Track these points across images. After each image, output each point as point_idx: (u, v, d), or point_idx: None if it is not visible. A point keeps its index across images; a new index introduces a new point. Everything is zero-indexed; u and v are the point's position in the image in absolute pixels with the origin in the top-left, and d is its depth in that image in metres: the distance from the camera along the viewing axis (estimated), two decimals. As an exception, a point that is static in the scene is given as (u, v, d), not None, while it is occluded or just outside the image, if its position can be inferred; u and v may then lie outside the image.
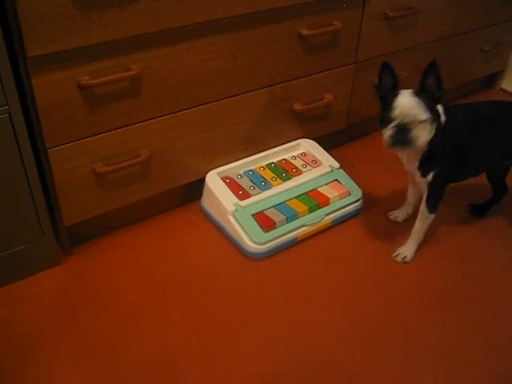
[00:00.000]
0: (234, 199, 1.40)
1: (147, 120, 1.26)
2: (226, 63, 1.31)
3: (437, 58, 1.80)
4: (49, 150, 1.15)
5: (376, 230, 1.48)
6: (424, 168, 1.29)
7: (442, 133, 1.23)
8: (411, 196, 1.48)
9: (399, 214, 1.51)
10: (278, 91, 1.46)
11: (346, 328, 1.20)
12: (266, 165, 1.55)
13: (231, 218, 1.37)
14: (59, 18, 1.01)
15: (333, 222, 1.46)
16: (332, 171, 1.55)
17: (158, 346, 1.14)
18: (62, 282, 1.28)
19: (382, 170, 1.71)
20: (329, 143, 1.71)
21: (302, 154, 1.61)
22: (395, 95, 1.18)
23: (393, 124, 1.18)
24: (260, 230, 1.35)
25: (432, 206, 1.33)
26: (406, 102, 1.17)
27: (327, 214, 1.44)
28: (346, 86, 1.61)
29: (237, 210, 1.38)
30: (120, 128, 1.23)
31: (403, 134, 1.17)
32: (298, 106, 1.52)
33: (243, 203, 1.40)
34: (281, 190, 1.46)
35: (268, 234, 1.35)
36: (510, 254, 1.42)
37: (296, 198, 1.45)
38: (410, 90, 1.19)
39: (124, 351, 1.13)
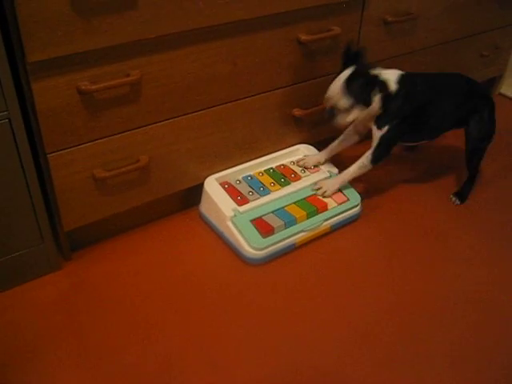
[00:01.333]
0: (233, 205, 1.40)
1: (147, 125, 1.26)
2: (226, 69, 1.32)
3: (436, 62, 1.82)
4: (48, 156, 1.15)
5: (375, 235, 1.49)
6: (380, 122, 1.42)
7: (394, 98, 1.38)
8: (333, 147, 1.55)
9: (309, 161, 1.55)
10: (277, 96, 1.47)
11: (345, 333, 1.20)
12: (265, 170, 1.55)
13: (230, 223, 1.38)
14: (59, 24, 1.02)
15: (331, 227, 1.47)
16: (330, 176, 1.55)
17: (157, 351, 1.14)
18: (61, 287, 1.28)
19: (381, 175, 1.71)
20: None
21: (300, 159, 1.61)
22: (337, 75, 1.36)
23: (326, 103, 1.39)
24: (258, 235, 1.35)
25: (376, 158, 1.45)
26: (333, 89, 1.35)
27: (326, 220, 1.45)
28: (345, 91, 1.62)
29: (235, 216, 1.38)
30: (119, 133, 1.23)
31: (330, 115, 1.38)
32: (297, 112, 1.53)
33: (242, 209, 1.40)
34: (279, 195, 1.46)
35: (266, 239, 1.35)
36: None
37: (294, 203, 1.45)
38: (348, 73, 1.33)
39: (123, 356, 1.13)
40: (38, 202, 1.18)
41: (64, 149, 1.17)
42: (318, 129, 1.64)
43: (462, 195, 1.61)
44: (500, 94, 2.23)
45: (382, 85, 1.35)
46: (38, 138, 1.14)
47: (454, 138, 1.64)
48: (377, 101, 1.36)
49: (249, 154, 1.52)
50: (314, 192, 1.46)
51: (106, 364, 1.11)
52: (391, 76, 1.39)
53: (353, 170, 1.46)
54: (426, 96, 1.45)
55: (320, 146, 1.64)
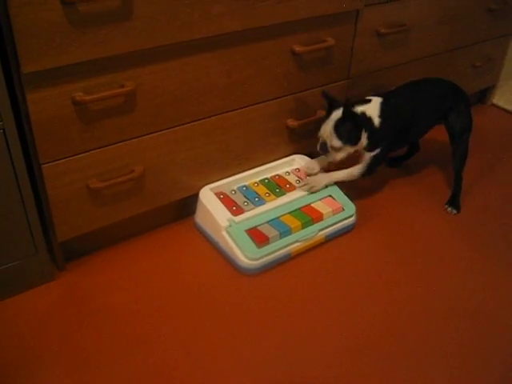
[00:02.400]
0: (228, 215, 1.40)
1: (141, 136, 1.27)
2: (220, 80, 1.33)
3: (429, 73, 1.84)
4: (43, 166, 1.15)
5: (370, 245, 1.49)
6: (369, 147, 1.51)
7: (380, 131, 1.48)
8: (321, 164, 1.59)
9: (315, 166, 1.57)
10: (271, 107, 1.48)
11: (341, 343, 1.20)
12: (260, 180, 1.55)
13: (225, 233, 1.37)
14: (54, 35, 1.02)
15: (326, 237, 1.47)
16: (326, 187, 1.55)
17: (150, 362, 1.13)
18: (55, 297, 1.27)
19: (376, 185, 1.72)
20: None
21: (295, 169, 1.61)
22: (328, 116, 1.47)
23: (320, 140, 1.49)
24: (253, 245, 1.35)
25: (366, 173, 1.55)
26: (326, 130, 1.46)
27: (321, 230, 1.45)
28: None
29: (230, 226, 1.38)
30: (114, 144, 1.23)
31: (325, 150, 1.49)
32: (291, 122, 1.53)
33: (237, 219, 1.40)
34: (274, 205, 1.47)
35: (261, 249, 1.35)
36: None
37: (289, 213, 1.45)
38: (339, 115, 1.43)
39: (117, 367, 1.12)
40: (32, 213, 1.18)
41: (58, 159, 1.17)
42: (312, 139, 1.65)
43: (454, 203, 1.62)
44: (493, 105, 2.25)
45: (369, 124, 1.47)
46: (32, 148, 1.14)
47: (443, 146, 1.65)
48: (364, 137, 1.47)
49: (244, 164, 1.53)
50: (301, 188, 1.53)
51: (99, 375, 1.10)
52: (374, 110, 1.48)
53: (341, 175, 1.54)
54: (407, 115, 1.55)
55: (314, 156, 1.64)
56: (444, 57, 1.86)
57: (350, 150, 1.48)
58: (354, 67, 1.60)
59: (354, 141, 1.46)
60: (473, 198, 1.68)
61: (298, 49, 1.41)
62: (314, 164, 1.57)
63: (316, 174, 1.56)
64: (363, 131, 1.46)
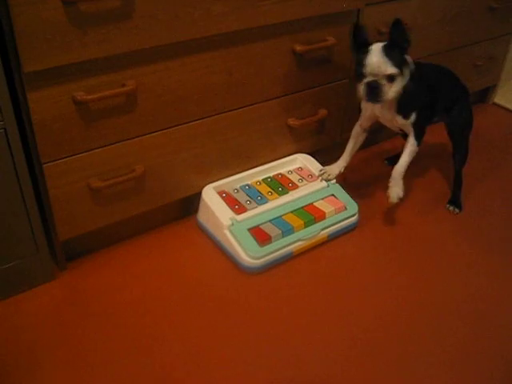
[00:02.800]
0: (230, 213, 1.40)
1: (142, 135, 1.27)
2: (221, 79, 1.33)
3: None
4: (44, 165, 1.15)
5: (372, 245, 1.48)
6: (404, 111, 1.40)
7: (414, 77, 1.34)
8: (349, 153, 1.54)
9: (332, 172, 1.54)
10: (272, 106, 1.47)
11: (343, 342, 1.19)
12: (263, 179, 1.55)
13: (227, 232, 1.37)
14: (55, 34, 1.02)
15: (329, 236, 1.46)
16: (328, 186, 1.55)
17: (152, 362, 1.13)
18: (56, 297, 1.27)
19: (378, 184, 1.71)
20: (324, 157, 1.72)
21: (298, 168, 1.61)
22: (367, 52, 1.29)
23: (365, 80, 1.30)
24: (256, 244, 1.35)
25: (420, 140, 1.45)
26: (375, 60, 1.28)
27: (323, 229, 1.44)
28: (339, 100, 1.63)
29: (233, 225, 1.38)
30: (115, 143, 1.23)
31: (375, 90, 1.29)
32: (292, 121, 1.53)
33: (239, 217, 1.39)
34: (277, 204, 1.46)
35: (264, 248, 1.35)
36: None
37: (292, 212, 1.45)
38: (381, 46, 1.29)
39: (118, 367, 1.12)
40: (33, 212, 1.18)
41: (59, 158, 1.17)
42: (313, 138, 1.65)
43: (456, 202, 1.62)
44: (494, 104, 2.25)
45: (406, 63, 1.33)
46: (33, 147, 1.14)
47: (443, 146, 1.65)
48: (406, 74, 1.32)
49: (245, 163, 1.53)
50: (391, 201, 1.46)
51: (100, 376, 1.10)
52: (407, 56, 1.36)
53: (406, 161, 1.46)
54: (432, 77, 1.48)
55: (316, 155, 1.64)
56: (445, 56, 1.85)
57: (400, 83, 1.30)
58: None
59: (404, 71, 1.31)
60: (474, 198, 1.68)
61: (298, 48, 1.41)
62: (336, 167, 1.54)
63: (340, 171, 1.54)
64: (405, 66, 1.31)
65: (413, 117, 1.41)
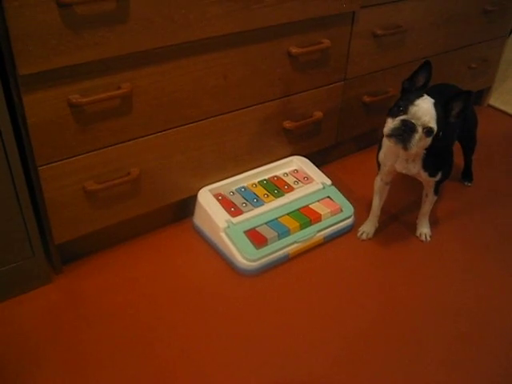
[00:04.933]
0: (226, 216, 1.40)
1: (138, 138, 1.27)
2: (217, 81, 1.33)
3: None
4: (39, 168, 1.15)
5: (368, 247, 1.48)
6: (431, 168, 1.35)
7: (443, 138, 1.26)
8: (378, 208, 1.50)
9: (369, 230, 1.51)
10: (268, 109, 1.48)
11: (339, 345, 1.19)
12: (259, 182, 1.55)
13: (223, 234, 1.37)
14: (50, 37, 1.02)
15: (325, 238, 1.46)
16: (324, 188, 1.55)
17: (149, 364, 1.13)
18: (52, 300, 1.27)
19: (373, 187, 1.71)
20: (320, 160, 1.72)
21: (293, 170, 1.61)
22: (419, 96, 1.22)
23: (401, 117, 1.21)
24: (252, 246, 1.35)
25: (438, 192, 1.46)
26: (425, 107, 1.20)
27: (319, 231, 1.45)
28: (335, 103, 1.63)
29: (229, 227, 1.38)
30: (110, 146, 1.23)
31: (406, 131, 1.19)
32: (288, 124, 1.54)
33: (235, 220, 1.39)
34: (273, 206, 1.46)
35: (260, 250, 1.35)
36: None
37: (288, 214, 1.45)
38: (433, 101, 1.22)
39: (115, 370, 1.11)
40: (29, 215, 1.18)
41: (55, 161, 1.16)
42: (309, 141, 1.65)
43: (468, 175, 1.74)
44: (489, 106, 2.26)
45: (441, 129, 1.24)
46: (28, 150, 1.14)
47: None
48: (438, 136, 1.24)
49: (241, 165, 1.53)
50: (421, 239, 1.50)
51: (97, 378, 1.10)
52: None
53: (428, 209, 1.48)
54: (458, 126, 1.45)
55: (311, 157, 1.65)
56: (440, 58, 1.86)
57: (427, 143, 1.23)
58: (351, 69, 1.60)
59: (439, 132, 1.23)
60: (470, 200, 1.68)
61: (294, 50, 1.41)
62: (372, 225, 1.51)
63: (371, 235, 1.51)
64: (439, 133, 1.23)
65: (439, 175, 1.37)
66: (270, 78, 1.43)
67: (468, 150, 1.71)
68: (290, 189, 1.54)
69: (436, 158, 1.33)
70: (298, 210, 1.47)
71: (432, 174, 1.36)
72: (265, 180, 1.56)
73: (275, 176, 1.58)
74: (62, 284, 1.31)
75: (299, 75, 1.49)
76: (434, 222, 1.58)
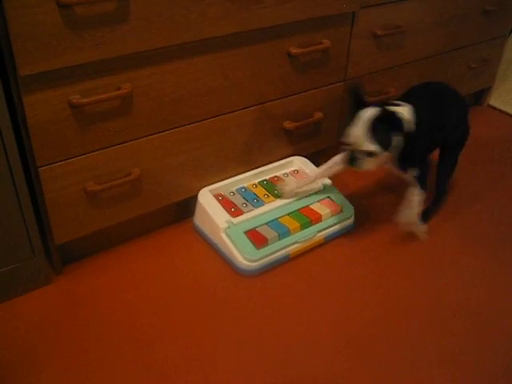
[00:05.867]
0: (227, 216, 1.40)
1: (138, 138, 1.26)
2: (217, 82, 1.33)
3: (425, 75, 1.84)
4: (40, 169, 1.15)
5: (368, 247, 1.48)
6: (403, 166, 1.36)
7: (414, 137, 1.27)
8: (319, 174, 1.49)
9: (290, 184, 1.49)
10: (268, 109, 1.48)
11: (339, 345, 1.19)
12: (259, 182, 1.55)
13: (223, 235, 1.37)
14: (51, 38, 1.02)
15: (325, 238, 1.46)
16: (324, 188, 1.55)
17: (149, 364, 1.13)
18: (52, 301, 1.27)
19: (374, 186, 1.72)
20: (320, 160, 1.72)
21: (294, 171, 1.61)
22: (354, 120, 1.24)
23: (347, 148, 1.27)
24: (252, 246, 1.35)
25: (424, 187, 1.40)
26: (357, 132, 1.23)
27: (319, 231, 1.45)
28: (335, 103, 1.63)
29: (229, 227, 1.38)
30: (111, 146, 1.23)
31: (353, 158, 1.26)
32: (288, 124, 1.54)
33: (235, 220, 1.39)
34: (273, 207, 1.46)
35: (260, 250, 1.35)
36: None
37: (288, 215, 1.45)
38: (373, 114, 1.22)
39: (115, 370, 1.11)
40: (29, 216, 1.18)
41: (55, 162, 1.16)
42: (309, 141, 1.65)
43: (425, 214, 1.54)
44: (489, 106, 2.26)
45: (401, 126, 1.25)
46: (29, 151, 1.14)
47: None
48: (397, 142, 1.26)
49: (242, 166, 1.53)
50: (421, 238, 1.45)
51: (96, 379, 1.10)
52: (406, 113, 1.29)
53: (417, 212, 1.41)
54: (434, 121, 1.41)
55: (311, 157, 1.65)
56: (440, 58, 1.86)
57: (382, 157, 1.27)
58: (351, 69, 1.60)
59: (389, 146, 1.24)
60: (468, 199, 1.69)
61: (294, 51, 1.41)
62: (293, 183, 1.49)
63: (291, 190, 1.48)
64: (398, 135, 1.25)
65: (414, 171, 1.36)
66: (271, 79, 1.43)
67: (440, 173, 1.54)
68: (291, 189, 1.54)
69: (406, 157, 1.33)
70: (298, 210, 1.47)
71: (406, 171, 1.37)
72: (265, 180, 1.56)
73: (275, 176, 1.58)
74: (63, 285, 1.31)
75: (299, 75, 1.49)
76: (434, 222, 1.58)
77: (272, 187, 1.53)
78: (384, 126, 1.22)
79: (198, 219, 1.49)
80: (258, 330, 1.22)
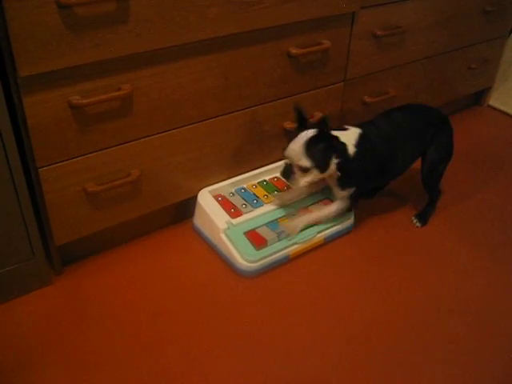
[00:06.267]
0: (226, 217, 1.40)
1: (138, 139, 1.26)
2: (217, 82, 1.33)
3: (425, 75, 1.84)
4: (39, 170, 1.15)
5: (368, 247, 1.49)
6: (342, 184, 1.40)
7: (353, 162, 1.35)
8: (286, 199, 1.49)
9: (286, 197, 1.49)
10: (268, 110, 1.48)
11: (339, 345, 1.19)
12: (258, 183, 1.55)
13: (223, 235, 1.37)
14: (51, 39, 1.02)
15: (325, 239, 1.46)
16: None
17: (149, 365, 1.13)
18: (52, 302, 1.27)
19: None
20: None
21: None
22: (297, 134, 1.32)
23: (284, 160, 1.34)
24: (252, 247, 1.35)
25: (343, 213, 1.46)
26: (292, 148, 1.30)
27: (319, 232, 1.45)
28: (335, 103, 1.63)
29: (229, 228, 1.38)
30: (111, 147, 1.23)
31: (289, 172, 1.33)
32: (288, 125, 1.54)
33: (235, 221, 1.39)
34: (273, 207, 1.46)
35: (260, 251, 1.35)
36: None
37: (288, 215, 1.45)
38: (307, 137, 1.30)
39: (115, 371, 1.11)
40: (29, 217, 1.18)
41: (55, 163, 1.16)
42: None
43: (422, 217, 1.57)
44: (489, 106, 2.26)
45: (342, 150, 1.34)
46: (29, 152, 1.14)
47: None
48: (334, 165, 1.33)
49: (242, 166, 1.53)
50: (280, 236, 1.39)
51: (96, 379, 1.10)
52: (350, 138, 1.36)
53: (318, 216, 1.44)
54: (385, 151, 1.42)
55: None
56: (440, 59, 1.86)
57: (316, 175, 1.33)
58: (351, 69, 1.60)
59: (324, 165, 1.32)
60: (468, 199, 1.69)
61: (294, 51, 1.41)
62: (284, 196, 1.49)
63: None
64: (334, 157, 1.32)
65: (350, 191, 1.42)
66: (271, 79, 1.43)
67: (429, 187, 1.56)
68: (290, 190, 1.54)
69: (345, 178, 1.38)
70: (298, 211, 1.47)
71: (343, 189, 1.41)
72: (265, 181, 1.56)
73: (275, 177, 1.58)
74: (63, 285, 1.31)
75: (299, 76, 1.49)
76: (434, 221, 1.58)
77: (272, 188, 1.53)
78: (321, 146, 1.30)
79: (197, 220, 1.49)
80: (257, 331, 1.22)
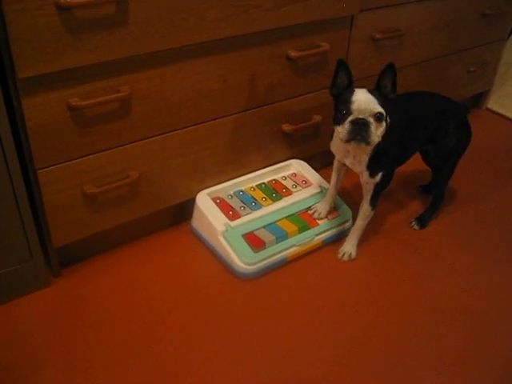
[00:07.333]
0: (224, 219, 1.40)
1: (137, 141, 1.27)
2: (216, 85, 1.33)
3: (424, 78, 1.84)
4: (38, 172, 1.15)
5: (366, 249, 1.49)
6: (373, 168, 1.33)
7: (387, 134, 1.25)
8: (334, 187, 1.48)
9: (322, 210, 1.48)
10: (267, 112, 1.48)
11: (337, 347, 1.19)
12: (257, 185, 1.55)
13: (221, 238, 1.37)
14: (50, 41, 1.02)
15: (323, 241, 1.46)
16: (322, 191, 1.55)
17: (147, 367, 1.13)
18: (50, 303, 1.26)
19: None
20: (319, 163, 1.72)
21: (292, 174, 1.62)
22: (351, 92, 1.22)
23: (349, 119, 1.20)
24: (250, 250, 1.35)
25: (375, 204, 1.40)
26: (363, 97, 1.20)
27: (317, 234, 1.45)
28: (334, 106, 1.63)
29: (227, 231, 1.38)
30: (110, 149, 1.23)
31: (360, 129, 1.19)
32: (286, 127, 1.54)
33: (233, 223, 1.40)
34: (271, 210, 1.47)
35: (258, 254, 1.35)
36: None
37: (286, 218, 1.45)
38: (365, 89, 1.23)
39: (113, 373, 1.11)
40: (28, 218, 1.18)
41: (54, 165, 1.16)
42: (308, 144, 1.65)
43: (422, 220, 1.57)
44: (487, 109, 2.26)
45: (389, 111, 1.24)
46: (27, 153, 1.14)
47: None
48: (383, 128, 1.23)
49: (240, 169, 1.53)
50: (342, 259, 1.43)
51: (95, 380, 1.10)
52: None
53: (361, 224, 1.43)
54: (404, 128, 1.39)
55: (310, 161, 1.65)
56: (439, 62, 1.87)
57: (384, 130, 1.22)
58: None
59: (388, 117, 1.22)
60: (467, 202, 1.69)
61: (293, 54, 1.42)
62: (326, 205, 1.48)
63: (330, 207, 1.48)
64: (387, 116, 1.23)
65: (378, 177, 1.34)
66: (269, 82, 1.43)
67: (436, 182, 1.57)
68: (289, 192, 1.54)
69: (379, 160, 1.32)
70: (296, 213, 1.47)
71: (372, 174, 1.34)
72: (263, 183, 1.56)
73: (273, 179, 1.58)
74: (61, 287, 1.31)
75: (298, 78, 1.49)
76: (433, 224, 1.58)
77: (270, 190, 1.53)
78: (381, 97, 1.22)
79: (195, 222, 1.49)
80: (256, 333, 1.22)
